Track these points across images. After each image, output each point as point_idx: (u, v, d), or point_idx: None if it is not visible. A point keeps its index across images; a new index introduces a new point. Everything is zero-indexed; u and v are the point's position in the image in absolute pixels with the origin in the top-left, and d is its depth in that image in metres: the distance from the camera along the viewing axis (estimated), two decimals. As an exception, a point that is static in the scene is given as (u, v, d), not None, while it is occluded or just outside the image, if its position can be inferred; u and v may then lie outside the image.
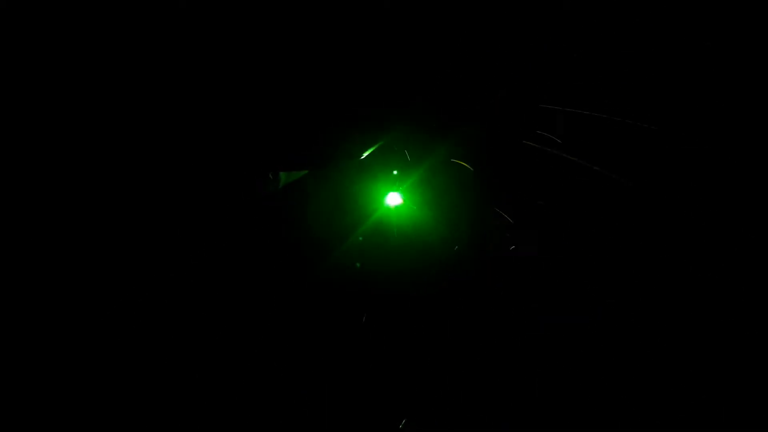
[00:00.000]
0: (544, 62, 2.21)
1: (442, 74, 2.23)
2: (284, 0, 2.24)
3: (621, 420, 2.12)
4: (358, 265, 2.24)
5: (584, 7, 2.23)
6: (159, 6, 2.24)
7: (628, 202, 2.22)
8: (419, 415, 2.20)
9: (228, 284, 2.24)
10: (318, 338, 2.23)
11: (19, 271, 2.18)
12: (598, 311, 2.20)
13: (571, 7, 2.24)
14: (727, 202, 2.20)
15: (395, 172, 2.23)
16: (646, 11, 2.22)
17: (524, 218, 2.23)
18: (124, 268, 2.23)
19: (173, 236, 2.25)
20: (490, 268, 2.25)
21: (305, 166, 2.28)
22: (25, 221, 2.21)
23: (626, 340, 2.18)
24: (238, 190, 2.28)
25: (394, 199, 2.25)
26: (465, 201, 2.24)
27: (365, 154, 2.21)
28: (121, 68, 2.25)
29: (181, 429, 2.15)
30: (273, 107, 2.27)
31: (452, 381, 2.22)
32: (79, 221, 2.23)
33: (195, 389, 2.17)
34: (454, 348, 2.24)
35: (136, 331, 2.20)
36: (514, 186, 2.24)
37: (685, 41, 2.21)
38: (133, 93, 2.26)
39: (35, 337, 2.16)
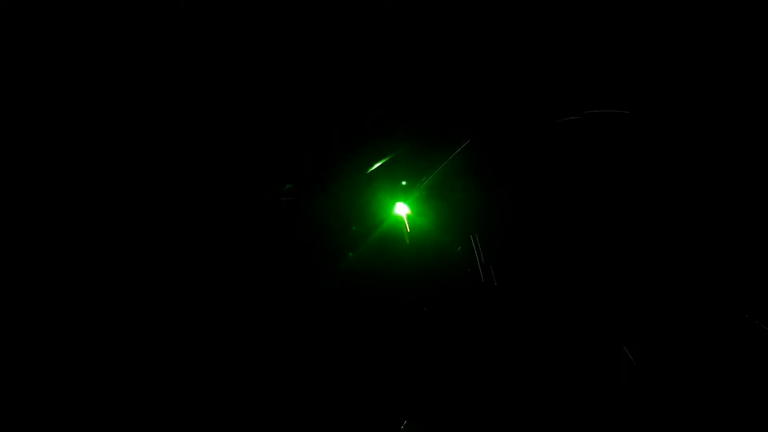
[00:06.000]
0: (545, 64, 2.22)
1: (444, 79, 2.24)
2: (293, 8, 2.26)
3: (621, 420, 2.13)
4: (350, 254, 2.27)
5: (584, 7, 2.23)
6: (159, 6, 2.24)
7: (628, 202, 2.23)
8: (419, 415, 2.21)
9: (235, 286, 2.26)
10: (323, 340, 2.25)
11: (20, 270, 2.19)
12: (598, 311, 2.22)
13: (571, 8, 2.24)
14: (726, 202, 2.20)
15: (404, 183, 2.27)
16: (646, 11, 2.22)
17: (526, 220, 2.24)
18: (127, 268, 2.24)
19: (183, 239, 2.26)
20: (491, 270, 2.26)
21: (315, 176, 2.31)
22: (25, 221, 2.21)
23: (625, 339, 2.19)
24: (249, 196, 2.30)
25: (402, 209, 2.29)
26: (469, 207, 2.27)
27: (375, 166, 2.24)
28: (122, 69, 2.26)
29: (182, 429, 2.16)
30: (285, 117, 2.30)
31: (451, 381, 2.23)
32: (85, 222, 2.24)
33: (196, 388, 2.19)
34: (454, 348, 2.25)
35: (137, 330, 2.21)
36: (516, 190, 2.26)
37: (684, 41, 2.22)
38: (135, 95, 2.27)
39: (35, 336, 2.17)
